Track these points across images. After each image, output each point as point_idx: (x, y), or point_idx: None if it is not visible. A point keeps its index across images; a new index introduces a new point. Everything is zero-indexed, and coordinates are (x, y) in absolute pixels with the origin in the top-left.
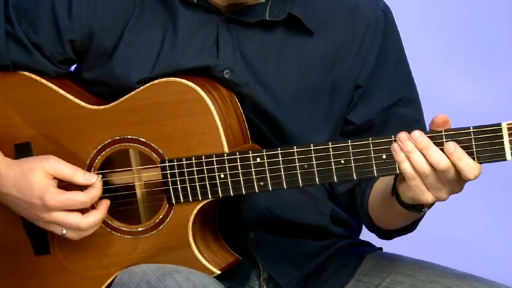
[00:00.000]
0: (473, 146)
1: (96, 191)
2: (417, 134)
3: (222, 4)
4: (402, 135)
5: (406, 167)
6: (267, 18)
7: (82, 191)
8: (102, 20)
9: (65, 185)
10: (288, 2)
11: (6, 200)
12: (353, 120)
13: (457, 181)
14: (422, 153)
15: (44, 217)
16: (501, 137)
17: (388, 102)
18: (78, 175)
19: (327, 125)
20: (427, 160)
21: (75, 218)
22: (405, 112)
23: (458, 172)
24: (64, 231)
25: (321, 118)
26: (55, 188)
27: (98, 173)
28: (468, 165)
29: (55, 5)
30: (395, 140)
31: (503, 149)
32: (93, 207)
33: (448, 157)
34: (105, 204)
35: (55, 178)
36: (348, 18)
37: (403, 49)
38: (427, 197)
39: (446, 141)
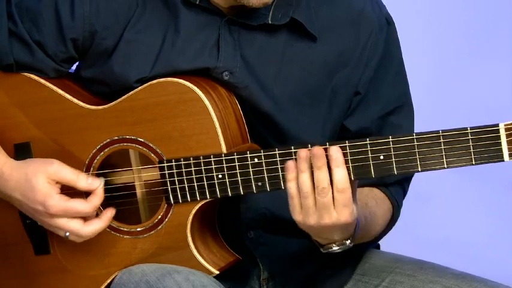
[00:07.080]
0: (471, 146)
1: (97, 199)
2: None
3: (224, 6)
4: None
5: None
6: (269, 22)
7: (85, 196)
8: (104, 18)
9: (69, 191)
10: (291, 7)
11: (12, 201)
12: (348, 127)
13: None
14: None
15: (46, 221)
16: (498, 137)
17: (384, 111)
18: (81, 179)
19: (325, 130)
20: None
21: (75, 225)
22: (399, 121)
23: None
24: (67, 234)
25: (320, 123)
26: (58, 195)
27: (97, 173)
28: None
29: (58, 3)
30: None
31: (500, 150)
32: (97, 213)
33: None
34: (109, 213)
35: (58, 183)
36: (351, 24)
37: (403, 60)
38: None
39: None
